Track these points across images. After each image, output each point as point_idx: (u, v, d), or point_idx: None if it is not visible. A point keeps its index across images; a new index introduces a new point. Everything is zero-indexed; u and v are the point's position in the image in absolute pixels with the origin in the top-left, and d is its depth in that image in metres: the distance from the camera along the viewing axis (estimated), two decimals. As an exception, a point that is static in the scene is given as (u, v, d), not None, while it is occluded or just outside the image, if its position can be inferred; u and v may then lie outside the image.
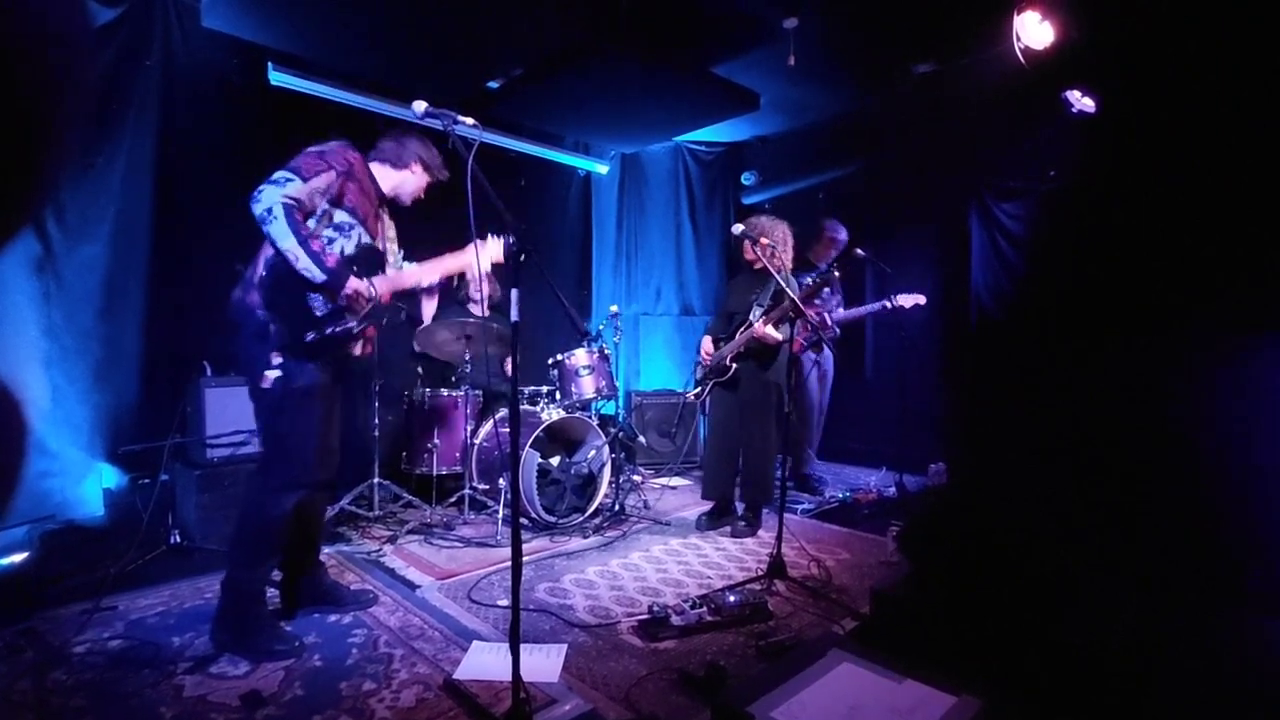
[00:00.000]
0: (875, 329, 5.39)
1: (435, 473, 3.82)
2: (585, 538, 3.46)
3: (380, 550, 3.20)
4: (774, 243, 3.33)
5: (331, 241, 2.18)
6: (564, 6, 3.51)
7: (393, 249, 2.48)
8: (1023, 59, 3.53)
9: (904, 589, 2.40)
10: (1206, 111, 3.22)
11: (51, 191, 2.58)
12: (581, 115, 4.87)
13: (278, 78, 3.88)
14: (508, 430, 1.80)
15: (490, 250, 2.28)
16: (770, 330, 3.31)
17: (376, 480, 3.62)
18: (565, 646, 2.22)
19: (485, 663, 2.08)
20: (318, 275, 2.04)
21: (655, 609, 2.42)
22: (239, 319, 2.13)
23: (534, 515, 3.47)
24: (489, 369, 3.52)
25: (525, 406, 3.77)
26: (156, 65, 3.53)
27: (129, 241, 3.47)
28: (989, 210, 4.74)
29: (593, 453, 3.74)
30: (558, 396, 3.87)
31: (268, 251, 2.10)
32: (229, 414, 3.22)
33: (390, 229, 2.48)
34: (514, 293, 1.76)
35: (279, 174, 2.09)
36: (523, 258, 1.79)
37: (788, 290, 2.98)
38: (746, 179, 5.92)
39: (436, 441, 3.83)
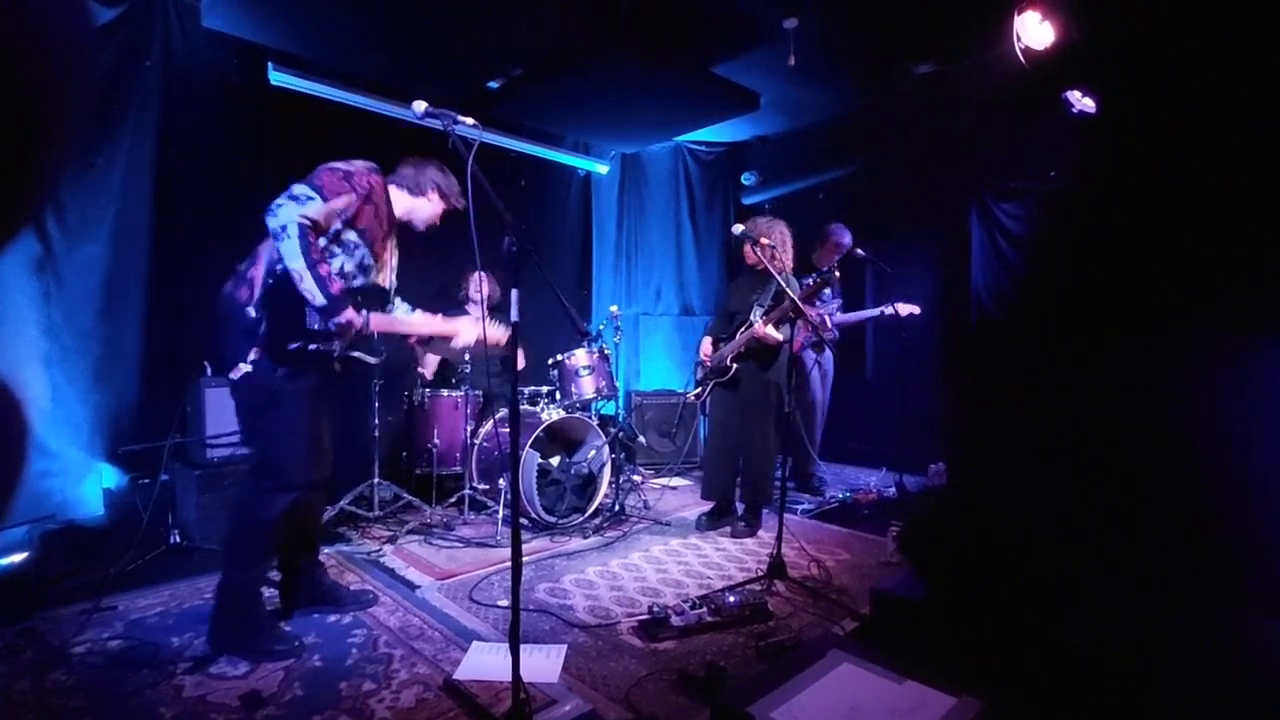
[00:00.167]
0: (875, 330, 5.39)
1: (435, 473, 3.82)
2: (585, 538, 3.46)
3: (380, 550, 3.20)
4: (774, 244, 3.33)
5: (333, 256, 2.18)
6: (564, 6, 3.51)
7: (391, 277, 2.48)
8: (1023, 59, 3.53)
9: (904, 589, 2.40)
10: (1206, 112, 3.22)
11: (51, 191, 2.59)
12: (581, 115, 4.87)
13: (278, 78, 3.88)
14: (508, 430, 1.80)
15: (480, 329, 2.37)
16: (771, 330, 3.31)
17: (376, 480, 3.62)
18: (565, 647, 2.22)
19: (485, 663, 2.08)
20: (318, 299, 2.04)
21: (655, 609, 2.42)
22: (227, 313, 2.12)
23: (534, 515, 3.47)
24: (489, 369, 3.52)
25: (525, 406, 3.77)
26: (156, 65, 3.53)
27: (129, 241, 3.47)
28: (989, 210, 4.74)
29: (593, 453, 3.74)
30: (558, 396, 3.87)
31: (272, 254, 2.10)
32: (229, 414, 3.17)
33: (394, 256, 2.49)
34: (514, 293, 1.76)
35: (300, 189, 2.07)
36: (522, 254, 1.79)
37: (788, 291, 2.98)
38: (746, 179, 5.92)
39: (436, 441, 3.83)
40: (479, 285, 4.07)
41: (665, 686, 2.01)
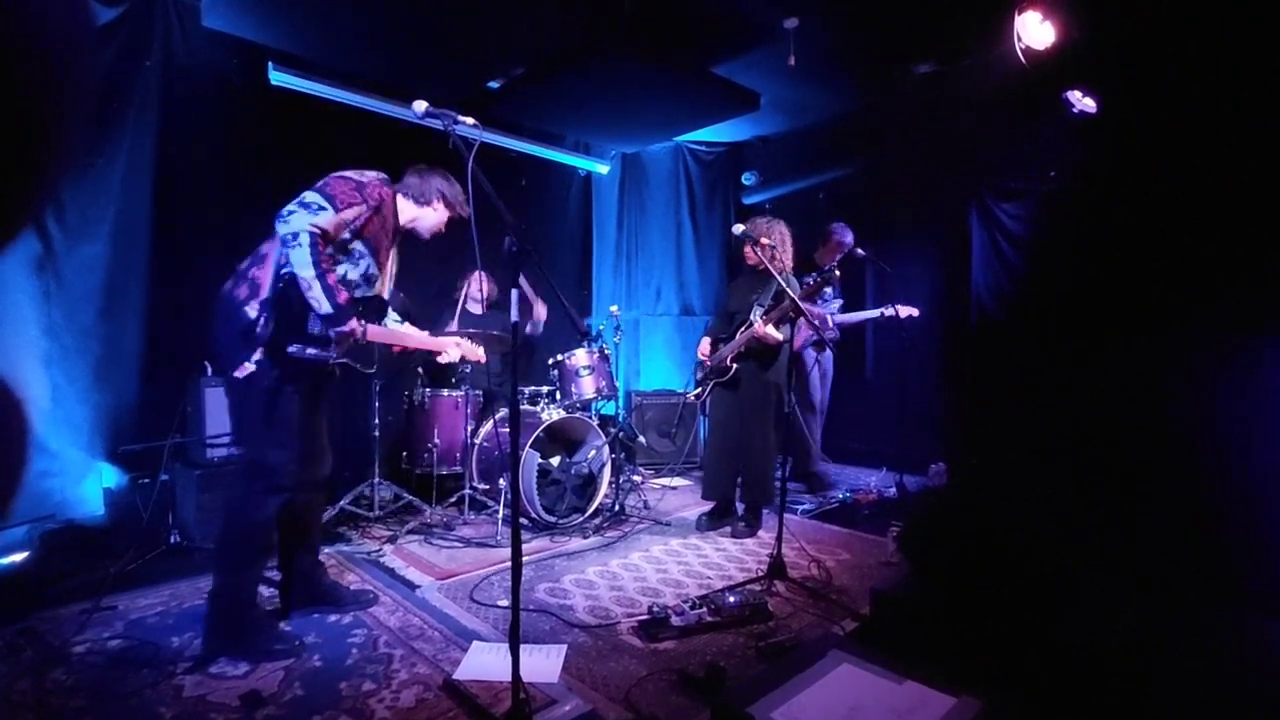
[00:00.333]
0: (875, 330, 5.39)
1: (435, 473, 3.82)
2: (585, 538, 3.46)
3: (380, 550, 3.20)
4: (774, 244, 3.33)
5: (339, 264, 2.19)
6: (564, 6, 3.51)
7: (390, 286, 2.50)
8: (1024, 59, 3.53)
9: (904, 589, 2.40)
10: (1207, 112, 3.23)
11: (52, 191, 2.58)
12: (582, 115, 4.87)
13: (278, 77, 3.88)
14: (508, 430, 1.80)
15: (466, 348, 2.57)
16: (771, 330, 3.31)
17: (376, 480, 3.62)
18: (565, 647, 2.22)
19: (485, 663, 2.08)
20: (324, 308, 2.06)
21: (655, 609, 2.42)
22: (225, 311, 2.11)
23: (534, 515, 3.47)
24: (489, 369, 3.52)
25: (525, 406, 3.77)
26: (157, 65, 3.53)
27: (129, 241, 3.47)
28: (989, 210, 4.74)
29: (593, 453, 3.74)
30: (558, 396, 3.87)
31: (280, 257, 2.10)
32: (229, 414, 3.22)
33: (394, 264, 2.50)
34: (514, 293, 1.76)
35: (312, 197, 2.07)
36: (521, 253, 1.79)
37: (788, 290, 2.98)
38: (747, 179, 5.92)
39: (436, 441, 3.83)
40: (479, 284, 4.09)
41: (665, 686, 2.01)
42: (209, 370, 3.27)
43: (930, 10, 3.65)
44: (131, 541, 2.89)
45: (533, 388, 4.01)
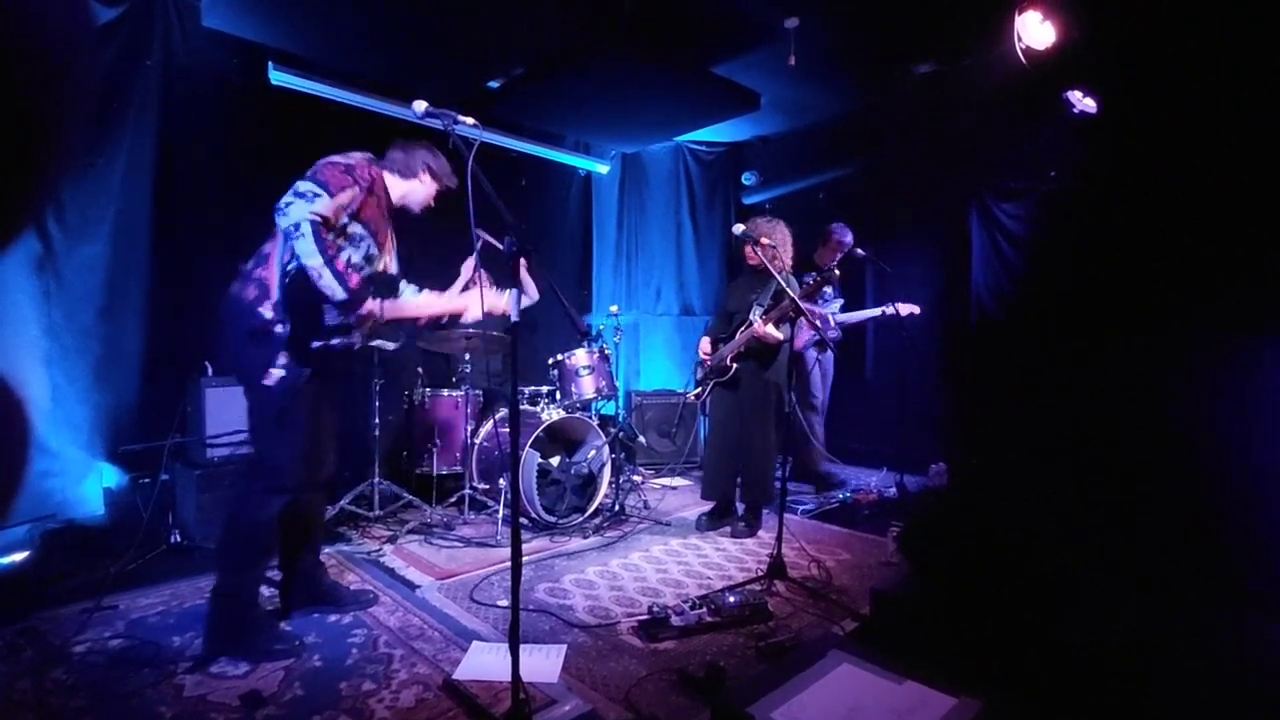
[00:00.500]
0: (876, 329, 5.39)
1: (435, 473, 3.82)
2: (585, 538, 3.46)
3: (380, 550, 3.20)
4: (775, 243, 3.33)
5: (341, 250, 2.19)
6: (564, 6, 3.51)
7: (395, 261, 2.50)
8: (1024, 59, 3.53)
9: (904, 589, 2.40)
10: (1207, 112, 3.23)
11: (52, 191, 2.58)
12: (582, 115, 4.87)
13: (278, 77, 3.88)
14: (508, 430, 1.80)
15: (491, 299, 2.41)
16: (771, 329, 3.31)
17: (376, 480, 3.62)
18: (565, 647, 2.22)
19: (485, 663, 2.08)
20: (339, 294, 2.06)
21: (655, 609, 2.42)
22: (232, 313, 2.11)
23: (534, 515, 3.47)
24: (489, 369, 3.52)
25: (525, 406, 3.78)
26: (157, 65, 3.53)
27: (129, 241, 3.47)
28: (989, 210, 4.74)
29: (593, 453, 3.74)
30: (558, 396, 3.87)
31: (281, 254, 2.10)
32: (229, 414, 3.22)
33: (393, 241, 2.49)
34: (514, 293, 1.76)
35: (305, 186, 2.07)
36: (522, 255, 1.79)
37: (787, 290, 2.98)
38: (747, 179, 5.92)
39: (437, 441, 3.83)
40: (478, 244, 4.04)
41: (665, 686, 2.01)
42: (209, 370, 3.27)
43: (930, 10, 3.65)
44: (132, 541, 2.88)
45: (533, 388, 4.01)
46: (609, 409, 4.69)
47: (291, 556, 2.42)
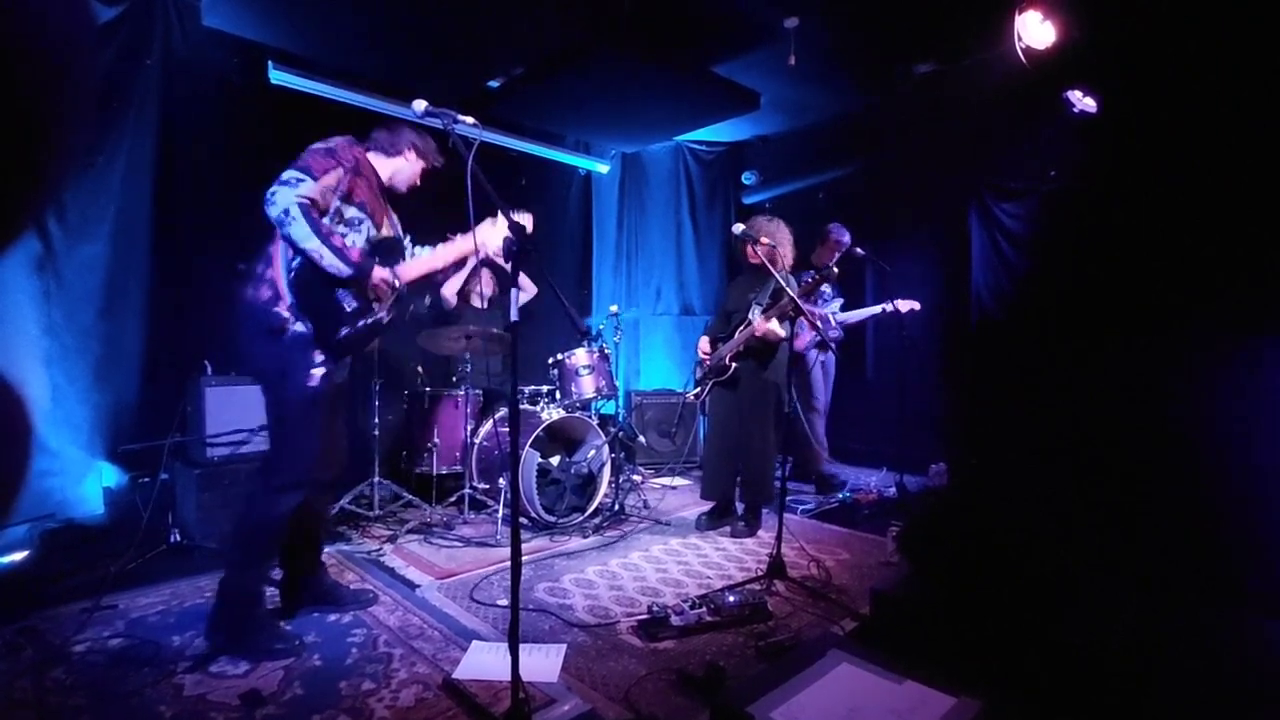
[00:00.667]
0: (876, 329, 5.39)
1: (435, 472, 3.82)
2: (585, 537, 3.46)
3: (380, 550, 3.20)
4: (775, 243, 3.33)
5: (344, 236, 2.19)
6: (564, 6, 3.51)
7: (398, 229, 2.50)
8: (1024, 59, 3.53)
9: (904, 589, 2.40)
10: (1207, 112, 3.22)
11: (52, 191, 2.58)
12: (582, 115, 4.87)
13: (278, 77, 3.88)
14: (507, 430, 1.80)
15: (498, 229, 2.25)
16: (773, 325, 3.31)
17: (376, 479, 3.62)
18: (564, 646, 2.22)
19: (484, 662, 2.08)
20: (344, 270, 2.07)
21: (655, 609, 2.42)
22: (247, 313, 2.11)
23: (534, 515, 3.47)
24: (489, 369, 3.52)
25: (525, 406, 3.77)
26: (157, 64, 3.53)
27: (129, 241, 3.47)
28: (989, 210, 4.74)
29: (593, 452, 3.74)
30: (558, 396, 3.87)
31: (284, 252, 2.10)
32: (229, 413, 3.22)
33: (395, 219, 2.49)
34: (514, 293, 1.76)
35: (289, 174, 2.08)
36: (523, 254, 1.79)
37: (787, 289, 2.98)
38: (747, 179, 5.92)
39: (436, 441, 3.83)
40: (480, 281, 4.06)
41: (665, 686, 2.01)
42: (209, 369, 3.28)
43: (930, 10, 3.65)
44: (131, 541, 2.89)
45: (532, 387, 4.01)
46: (609, 408, 4.69)
47: (294, 555, 2.42)
